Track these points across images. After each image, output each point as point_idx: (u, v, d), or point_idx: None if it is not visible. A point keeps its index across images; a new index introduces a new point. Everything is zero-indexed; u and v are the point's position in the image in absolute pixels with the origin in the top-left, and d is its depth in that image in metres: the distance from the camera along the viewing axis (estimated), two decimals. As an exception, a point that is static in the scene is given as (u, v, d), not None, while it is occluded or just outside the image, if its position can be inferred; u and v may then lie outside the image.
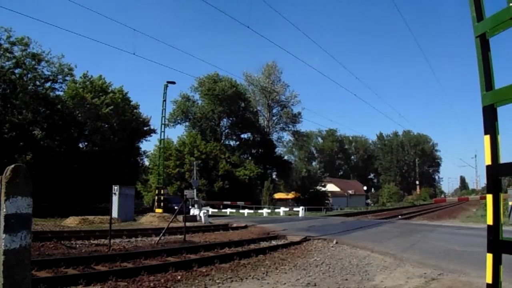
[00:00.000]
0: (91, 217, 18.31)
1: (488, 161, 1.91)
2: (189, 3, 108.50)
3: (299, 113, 56.42)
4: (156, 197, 26.39)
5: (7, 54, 28.29)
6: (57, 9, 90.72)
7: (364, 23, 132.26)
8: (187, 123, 51.31)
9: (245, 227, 16.71)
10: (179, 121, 50.76)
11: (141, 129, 39.90)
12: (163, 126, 27.98)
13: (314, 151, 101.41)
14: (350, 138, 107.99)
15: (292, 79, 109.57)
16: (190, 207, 22.28)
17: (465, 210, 38.60)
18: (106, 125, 35.31)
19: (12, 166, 2.45)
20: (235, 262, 7.93)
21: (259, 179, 46.45)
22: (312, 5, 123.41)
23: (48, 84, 31.44)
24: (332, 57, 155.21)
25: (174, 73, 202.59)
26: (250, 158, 51.85)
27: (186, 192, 21.57)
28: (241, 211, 32.78)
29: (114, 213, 18.59)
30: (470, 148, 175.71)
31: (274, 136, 57.68)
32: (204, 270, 7.03)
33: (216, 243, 10.45)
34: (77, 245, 10.16)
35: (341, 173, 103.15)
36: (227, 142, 52.66)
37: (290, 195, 51.10)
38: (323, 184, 56.73)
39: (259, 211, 32.36)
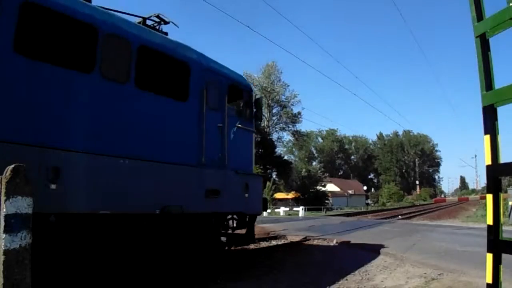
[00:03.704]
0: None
1: (488, 161, 1.91)
2: (189, 3, 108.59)
3: (299, 113, 56.61)
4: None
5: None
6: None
7: (364, 23, 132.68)
8: (187, 123, 51.29)
9: (245, 227, 16.69)
10: (179, 121, 50.74)
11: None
12: (163, 126, 28.01)
13: (314, 151, 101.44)
14: (350, 138, 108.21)
15: (292, 79, 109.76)
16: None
17: (465, 210, 38.61)
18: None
19: (12, 166, 2.45)
20: (235, 262, 7.93)
21: (259, 179, 46.36)
22: (312, 5, 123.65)
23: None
24: (332, 57, 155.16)
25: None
26: (250, 158, 51.77)
27: (186, 192, 21.53)
28: (241, 211, 32.70)
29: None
30: (470, 148, 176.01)
31: (274, 136, 57.79)
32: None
33: (216, 243, 10.44)
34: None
35: (341, 173, 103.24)
36: (227, 142, 52.59)
37: (290, 195, 51.11)
38: (323, 184, 56.73)
39: (259, 211, 32.30)
